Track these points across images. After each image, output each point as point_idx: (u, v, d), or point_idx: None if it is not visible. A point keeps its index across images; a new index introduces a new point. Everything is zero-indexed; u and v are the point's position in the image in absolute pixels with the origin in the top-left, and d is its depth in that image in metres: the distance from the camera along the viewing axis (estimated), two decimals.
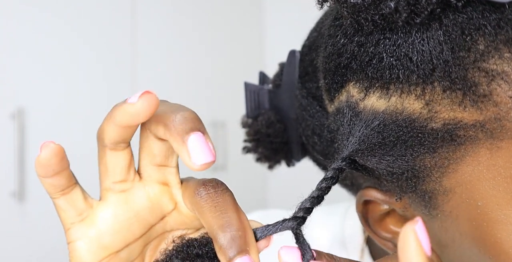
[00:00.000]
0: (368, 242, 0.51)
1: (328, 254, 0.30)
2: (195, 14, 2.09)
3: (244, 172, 2.20)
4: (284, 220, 0.31)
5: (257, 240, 0.30)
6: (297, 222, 0.31)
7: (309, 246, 0.30)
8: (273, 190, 2.34)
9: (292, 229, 0.31)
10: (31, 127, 1.57)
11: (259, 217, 0.54)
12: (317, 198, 0.32)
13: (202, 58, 2.11)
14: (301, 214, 0.31)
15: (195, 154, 0.28)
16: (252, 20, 2.38)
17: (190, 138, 0.28)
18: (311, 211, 0.32)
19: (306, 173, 0.70)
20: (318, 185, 0.32)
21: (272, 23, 2.38)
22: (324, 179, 0.33)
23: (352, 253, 0.51)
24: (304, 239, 0.30)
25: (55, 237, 1.70)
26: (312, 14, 0.45)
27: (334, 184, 0.33)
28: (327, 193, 0.32)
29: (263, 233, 0.31)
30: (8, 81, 1.53)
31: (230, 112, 1.99)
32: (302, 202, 0.32)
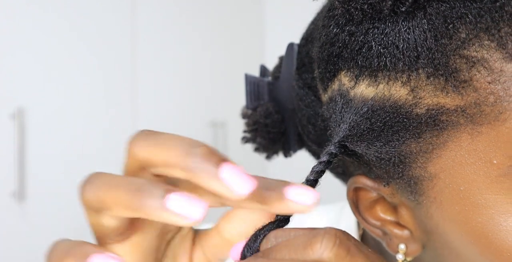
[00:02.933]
0: (363, 239, 0.51)
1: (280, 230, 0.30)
2: (195, 14, 2.10)
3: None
4: (268, 227, 0.31)
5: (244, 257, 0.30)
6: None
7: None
8: None
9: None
10: (31, 127, 1.57)
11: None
12: (312, 181, 0.33)
13: (202, 58, 2.11)
14: None
15: (236, 184, 0.25)
16: (253, 21, 2.39)
17: (222, 170, 0.25)
18: None
19: (306, 174, 0.70)
20: (312, 169, 0.33)
21: (272, 25, 2.38)
22: (318, 163, 0.34)
23: None
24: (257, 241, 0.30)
25: (55, 237, 1.69)
26: (312, 16, 0.46)
27: (327, 167, 0.34)
28: (321, 176, 0.33)
29: (251, 247, 0.30)
30: (8, 81, 1.53)
31: (230, 112, 2.00)
32: None
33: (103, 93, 1.77)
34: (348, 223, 0.53)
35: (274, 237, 0.30)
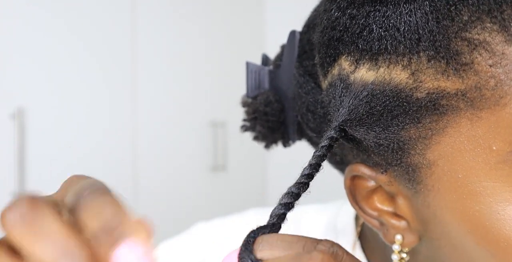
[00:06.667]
0: (360, 236, 0.51)
1: None
2: (195, 14, 2.10)
3: (244, 172, 2.20)
4: (259, 231, 0.30)
5: None
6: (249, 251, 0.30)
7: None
8: (272, 190, 2.34)
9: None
10: (31, 127, 1.57)
11: (257, 214, 0.54)
12: (315, 165, 0.33)
13: (202, 58, 2.11)
14: (303, 180, 0.32)
15: None
16: (253, 21, 2.39)
17: None
18: (312, 177, 0.33)
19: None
20: (314, 154, 0.33)
21: (272, 24, 2.38)
22: (319, 147, 0.34)
23: (344, 247, 0.51)
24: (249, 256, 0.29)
25: None
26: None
27: (329, 151, 0.34)
28: (323, 161, 0.33)
29: (247, 251, 0.29)
30: (8, 81, 1.53)
31: (230, 112, 2.00)
32: (302, 170, 0.33)
33: (103, 93, 1.77)
34: (346, 220, 0.53)
35: (262, 243, 0.30)
